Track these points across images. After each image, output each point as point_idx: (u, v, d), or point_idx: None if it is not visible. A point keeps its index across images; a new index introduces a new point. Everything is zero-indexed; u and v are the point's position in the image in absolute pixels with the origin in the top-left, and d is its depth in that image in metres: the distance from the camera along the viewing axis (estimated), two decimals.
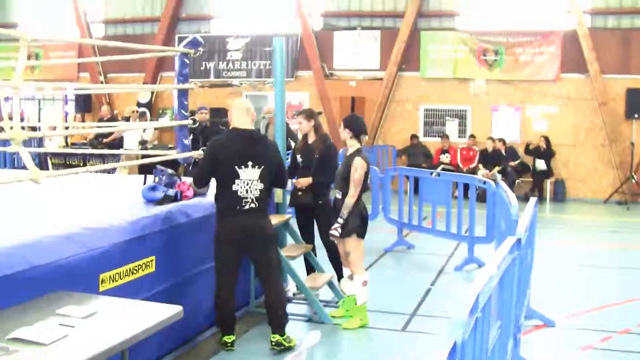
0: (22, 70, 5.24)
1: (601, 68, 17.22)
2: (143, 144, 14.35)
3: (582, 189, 17.90)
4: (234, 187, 6.12)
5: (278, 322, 6.35)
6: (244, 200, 6.12)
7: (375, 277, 8.88)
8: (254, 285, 7.47)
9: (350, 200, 6.91)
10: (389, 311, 7.67)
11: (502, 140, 17.68)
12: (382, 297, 8.03)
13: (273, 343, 6.32)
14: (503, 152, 17.55)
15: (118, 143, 17.08)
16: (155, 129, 15.26)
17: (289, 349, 6.22)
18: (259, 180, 6.15)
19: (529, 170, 17.70)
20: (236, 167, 6.12)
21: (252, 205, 6.15)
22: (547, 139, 17.44)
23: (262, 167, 6.16)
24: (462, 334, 2.74)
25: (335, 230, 6.96)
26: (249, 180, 6.12)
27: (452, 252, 10.68)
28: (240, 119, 6.30)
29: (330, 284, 7.82)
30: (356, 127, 7.17)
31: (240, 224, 6.16)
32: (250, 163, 6.12)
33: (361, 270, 7.23)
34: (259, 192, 6.16)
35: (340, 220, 6.92)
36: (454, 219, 10.38)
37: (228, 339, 6.39)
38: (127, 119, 15.48)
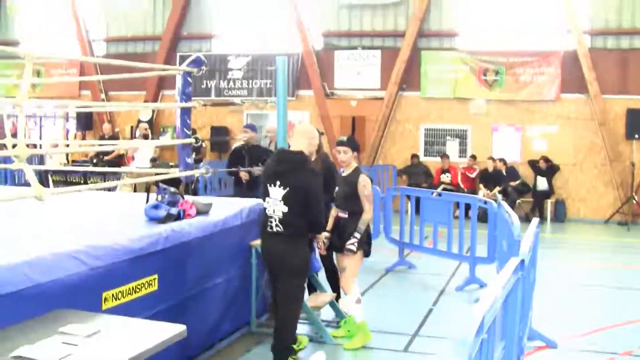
0: (27, 88, 5.26)
1: (601, 88, 17.28)
2: (154, 161, 14.31)
3: (582, 209, 17.91)
4: (265, 204, 6.24)
5: (276, 354, 6.32)
6: (269, 219, 6.16)
7: (376, 297, 8.88)
8: (255, 305, 7.45)
9: (367, 216, 7.00)
10: (390, 331, 7.65)
11: (502, 160, 17.71)
12: (384, 317, 8.02)
13: None
14: (504, 172, 17.58)
15: (119, 161, 17.08)
16: (157, 147, 15.25)
17: None
18: (282, 202, 6.08)
19: (530, 191, 17.71)
20: (267, 184, 6.21)
21: (278, 228, 6.12)
22: (546, 159, 17.49)
23: (287, 189, 6.08)
24: (469, 355, 2.73)
25: (353, 245, 6.97)
26: (275, 199, 6.13)
27: (453, 272, 10.67)
28: (294, 140, 6.38)
29: (331, 304, 7.80)
30: (357, 148, 7.26)
31: (267, 246, 6.30)
32: (278, 182, 6.13)
33: (352, 289, 7.21)
34: (282, 214, 6.08)
35: (358, 235, 6.96)
36: (455, 239, 10.38)
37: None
38: (146, 137, 15.40)
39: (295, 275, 6.25)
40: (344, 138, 7.41)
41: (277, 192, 6.11)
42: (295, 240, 6.18)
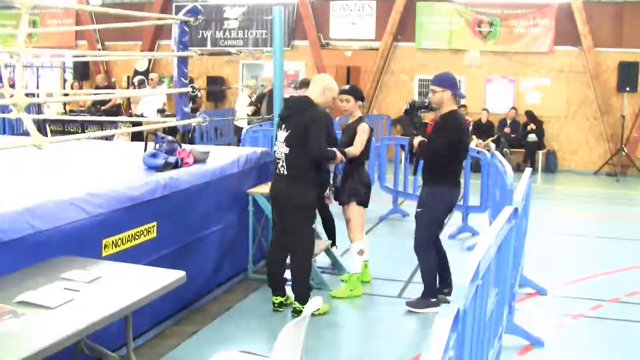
0: (23, 37, 5.26)
1: (594, 41, 17.22)
2: (162, 112, 14.30)
3: (573, 160, 18.01)
4: (274, 148, 6.52)
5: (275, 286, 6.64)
6: (278, 161, 6.39)
7: (371, 245, 8.95)
8: (252, 251, 7.54)
9: (353, 150, 7.04)
10: (385, 278, 7.78)
11: (514, 109, 17.78)
12: (378, 264, 8.10)
13: (276, 304, 6.60)
14: (510, 121, 17.62)
15: (116, 110, 17.08)
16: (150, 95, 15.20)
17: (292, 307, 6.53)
18: (284, 143, 6.30)
19: (522, 143, 17.69)
20: (278, 129, 6.48)
21: (283, 170, 6.34)
22: (531, 114, 17.53)
23: (289, 130, 6.27)
24: (465, 300, 2.80)
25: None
26: (280, 142, 6.37)
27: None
28: (310, 88, 6.60)
29: (327, 251, 7.90)
30: (360, 97, 7.37)
31: (274, 187, 6.51)
32: (284, 125, 6.37)
33: (358, 237, 7.24)
34: (284, 156, 6.29)
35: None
36: None
37: (275, 299, 6.64)
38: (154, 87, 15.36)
39: (300, 211, 6.34)
40: (347, 87, 7.50)
41: (282, 135, 6.34)
42: (299, 181, 6.27)
